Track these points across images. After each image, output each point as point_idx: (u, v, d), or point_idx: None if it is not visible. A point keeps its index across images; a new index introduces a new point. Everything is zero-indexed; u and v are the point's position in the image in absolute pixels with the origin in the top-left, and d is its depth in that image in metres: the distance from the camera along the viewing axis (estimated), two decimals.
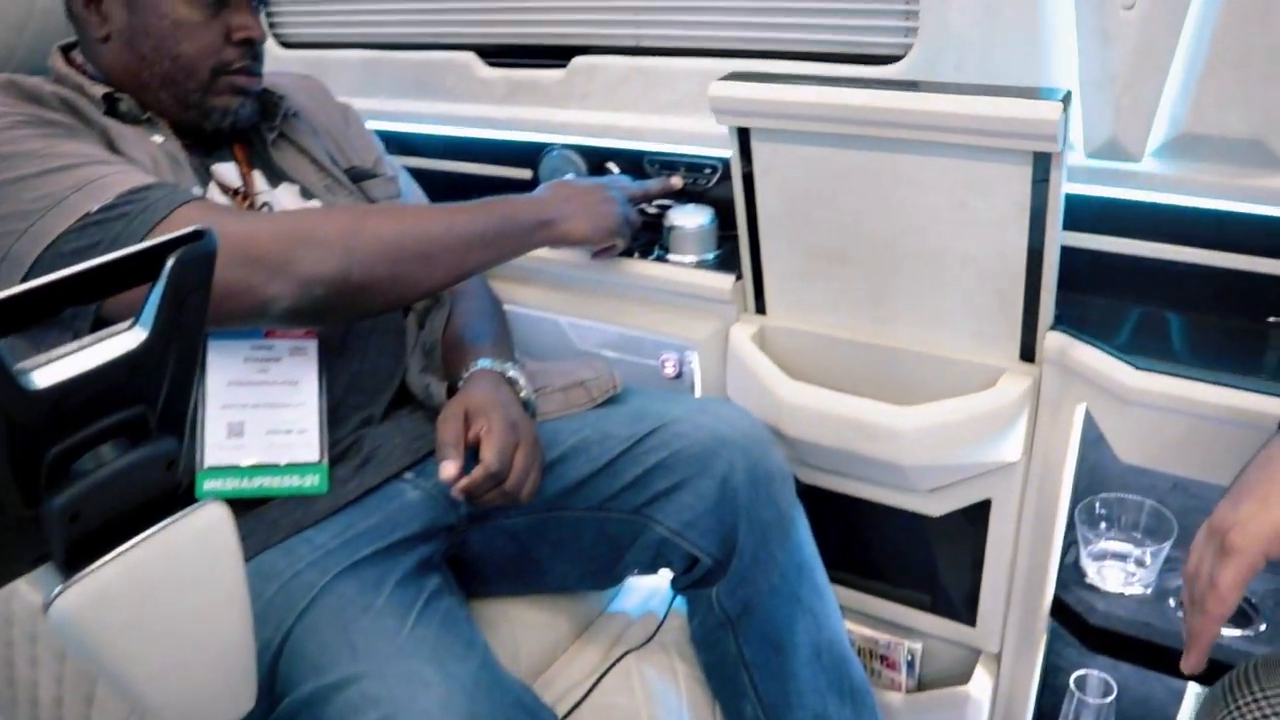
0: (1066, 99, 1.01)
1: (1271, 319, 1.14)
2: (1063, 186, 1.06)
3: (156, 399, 0.67)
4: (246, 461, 1.02)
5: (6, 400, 0.51)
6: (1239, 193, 1.09)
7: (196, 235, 0.65)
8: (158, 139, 1.08)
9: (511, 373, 1.15)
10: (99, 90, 1.07)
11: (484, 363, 1.14)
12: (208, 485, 1.01)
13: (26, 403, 0.52)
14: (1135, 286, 1.20)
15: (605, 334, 1.42)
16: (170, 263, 0.63)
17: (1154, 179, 1.12)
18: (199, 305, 0.68)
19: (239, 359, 1.06)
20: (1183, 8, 1.01)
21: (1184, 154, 1.10)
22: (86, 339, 0.57)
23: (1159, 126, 1.09)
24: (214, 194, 1.12)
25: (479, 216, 1.11)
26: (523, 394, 1.14)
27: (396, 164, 1.38)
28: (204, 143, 1.14)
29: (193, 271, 0.66)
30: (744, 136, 1.21)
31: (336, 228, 1.01)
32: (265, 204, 1.16)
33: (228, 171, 1.15)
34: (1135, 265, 1.18)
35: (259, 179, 1.18)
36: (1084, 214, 1.17)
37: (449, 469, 1.01)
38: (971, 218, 1.11)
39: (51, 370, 0.53)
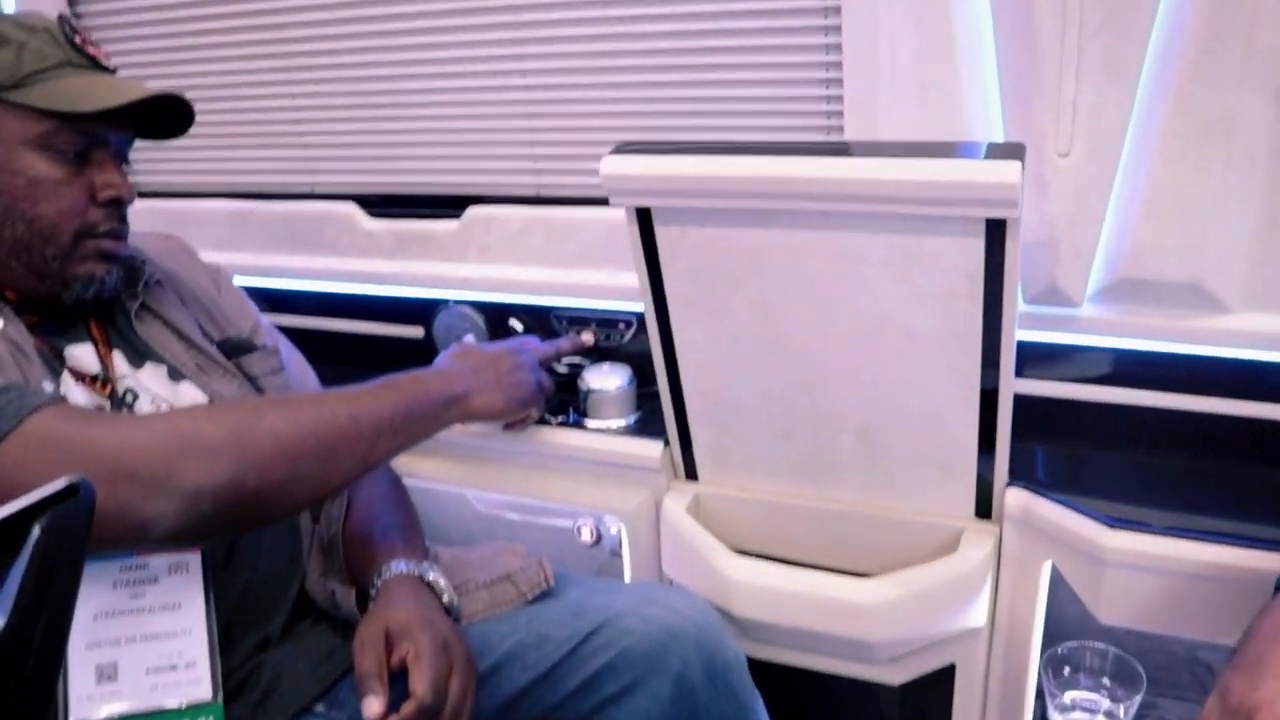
0: (1020, 154, 0.88)
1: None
2: (1019, 257, 0.93)
3: (15, 692, 0.54)
4: (121, 710, 0.88)
5: None
6: (1179, 335, 1.08)
7: (70, 491, 0.53)
8: None
9: (431, 575, 1.02)
10: None
11: (399, 566, 1.02)
12: None
13: None
14: (1079, 431, 1.17)
15: (514, 500, 1.30)
16: (36, 532, 0.51)
17: (1095, 323, 1.10)
18: (71, 574, 0.55)
19: (106, 585, 0.92)
20: (1117, 154, 1.00)
21: (1123, 298, 1.08)
22: None
23: (1097, 271, 1.07)
24: (68, 385, 0.97)
25: (384, 399, 0.99)
26: (445, 599, 1.02)
27: (276, 331, 1.25)
28: (54, 320, 1.00)
29: (64, 538, 0.53)
30: (645, 221, 1.06)
31: (225, 429, 0.88)
32: (129, 389, 1.01)
33: (84, 354, 1.00)
34: (1079, 410, 1.16)
35: (119, 360, 1.03)
36: (1026, 359, 1.13)
37: (373, 707, 0.87)
38: (913, 295, 0.98)
39: None
